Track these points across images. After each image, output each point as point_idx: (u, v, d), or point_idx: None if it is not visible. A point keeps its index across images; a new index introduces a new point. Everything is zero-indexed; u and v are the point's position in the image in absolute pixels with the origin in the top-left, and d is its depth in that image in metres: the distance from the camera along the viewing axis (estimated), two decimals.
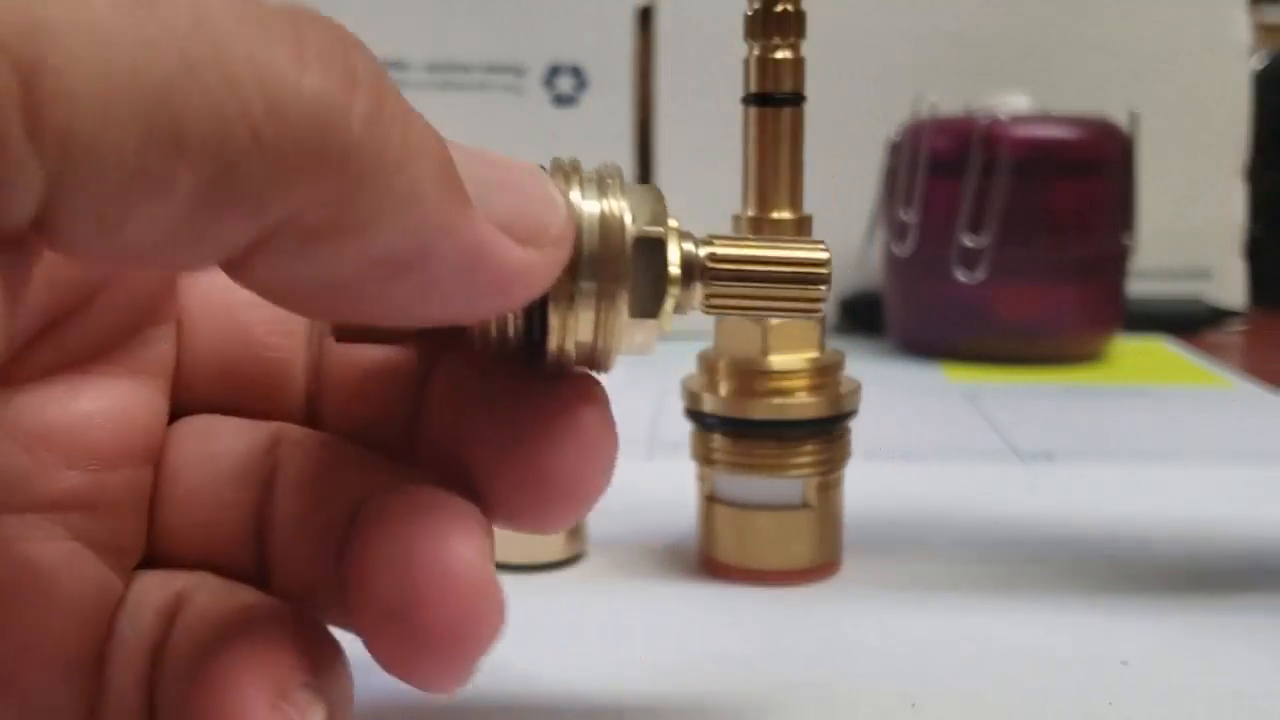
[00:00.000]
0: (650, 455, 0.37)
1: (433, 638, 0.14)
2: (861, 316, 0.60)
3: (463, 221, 0.13)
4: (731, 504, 0.26)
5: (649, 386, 0.45)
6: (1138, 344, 0.58)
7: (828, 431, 0.25)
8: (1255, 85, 0.64)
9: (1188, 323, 0.61)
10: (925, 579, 0.26)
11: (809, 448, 0.25)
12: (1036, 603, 0.25)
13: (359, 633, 0.15)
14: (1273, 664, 0.22)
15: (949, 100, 0.53)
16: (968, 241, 0.50)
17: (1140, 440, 0.39)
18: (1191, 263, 0.64)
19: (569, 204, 0.15)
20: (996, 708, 0.20)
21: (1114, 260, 0.53)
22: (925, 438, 0.39)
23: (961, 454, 0.37)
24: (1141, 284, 0.61)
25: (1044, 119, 0.52)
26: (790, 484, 0.25)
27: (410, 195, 0.12)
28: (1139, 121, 0.53)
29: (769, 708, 0.20)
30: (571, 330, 0.15)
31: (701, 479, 0.27)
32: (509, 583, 0.26)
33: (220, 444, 0.17)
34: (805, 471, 0.25)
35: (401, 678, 0.14)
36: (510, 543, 0.26)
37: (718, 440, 0.26)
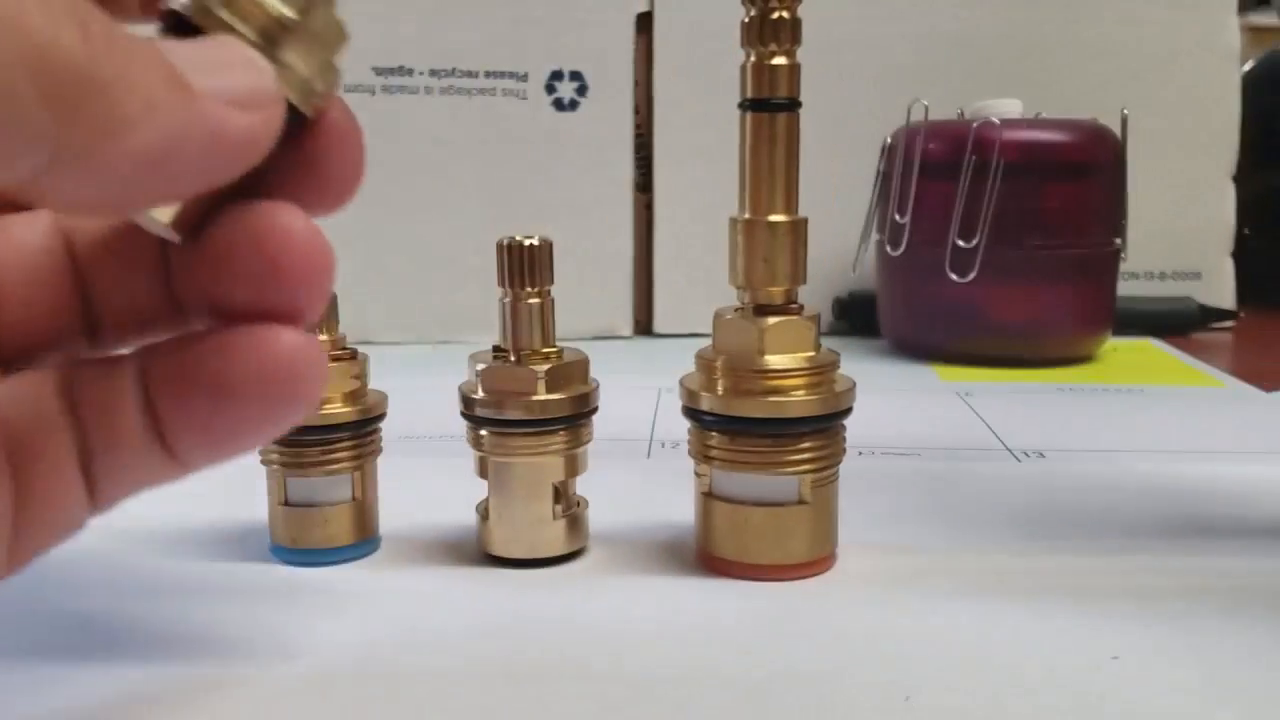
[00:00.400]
0: (650, 453, 0.38)
1: (299, 277, 0.18)
2: (855, 317, 0.61)
3: (195, 112, 0.16)
4: (728, 500, 0.26)
5: (649, 386, 0.46)
6: (1129, 344, 0.58)
7: (823, 429, 0.26)
8: (1244, 88, 0.64)
9: (1178, 323, 0.62)
10: (919, 574, 0.27)
11: (804, 445, 0.26)
12: (1028, 598, 0.25)
13: (221, 302, 0.18)
14: (1262, 659, 0.22)
15: (943, 104, 0.54)
16: (960, 243, 0.51)
17: (1133, 439, 0.40)
18: (1182, 264, 0.64)
19: (272, 66, 0.17)
20: (988, 701, 0.20)
21: (1105, 262, 0.53)
22: (919, 435, 0.40)
23: (955, 451, 0.38)
24: (1133, 285, 0.62)
25: (1036, 123, 0.52)
26: (786, 481, 0.26)
27: (149, 105, 0.15)
28: (1130, 124, 0.54)
29: (765, 701, 0.21)
30: (317, 89, 0.18)
31: (699, 476, 0.27)
32: (512, 578, 0.27)
33: (16, 237, 0.19)
34: (801, 469, 0.26)
35: (275, 316, 0.18)
36: (513, 539, 0.27)
37: (715, 438, 0.26)
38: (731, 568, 0.26)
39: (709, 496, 0.27)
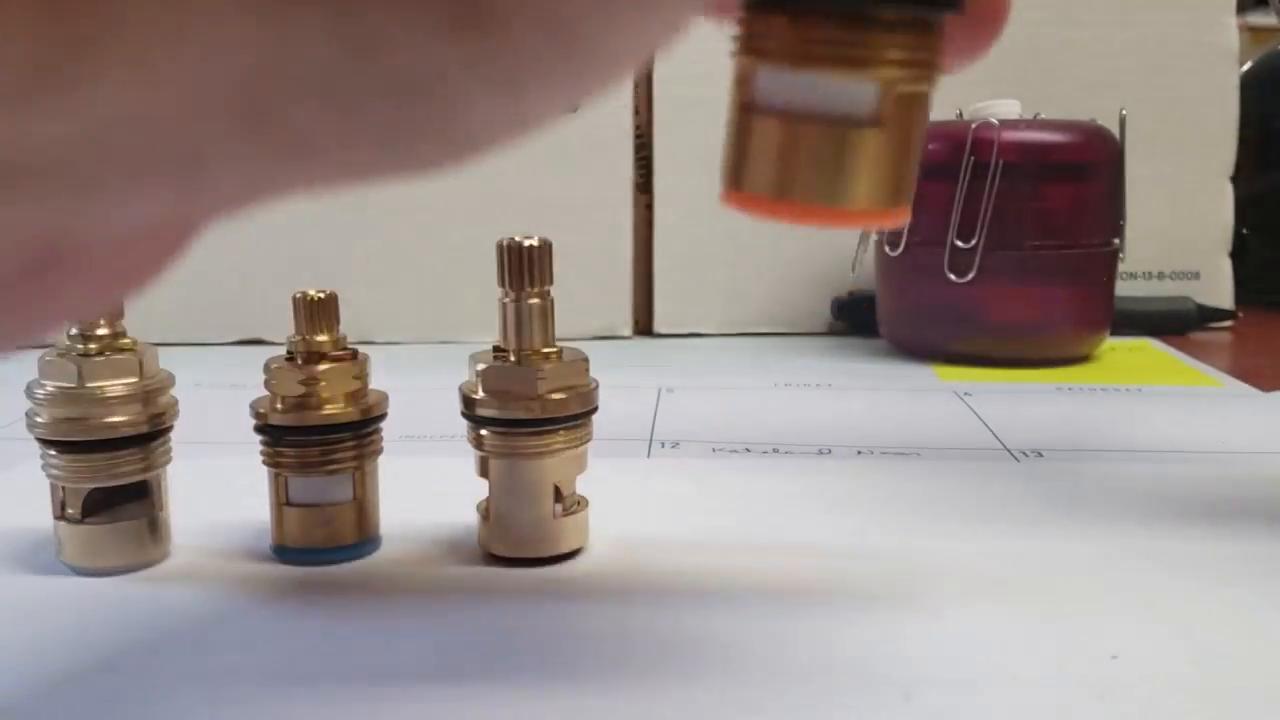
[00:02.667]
0: (650, 453, 0.38)
1: None
2: (854, 317, 0.61)
3: None
4: (775, 113, 0.17)
5: (649, 386, 0.46)
6: (1128, 344, 0.58)
7: (921, 20, 0.17)
8: (1243, 88, 0.65)
9: (1177, 323, 0.62)
10: (918, 573, 0.27)
11: (894, 37, 0.16)
12: (1028, 597, 0.25)
13: None
14: (1261, 658, 0.22)
15: (941, 105, 0.54)
16: (959, 243, 0.51)
17: (1131, 439, 0.40)
18: (1180, 264, 0.65)
19: None
20: (988, 700, 0.21)
21: (1103, 262, 0.54)
22: (918, 435, 0.40)
23: (954, 451, 0.38)
24: (1131, 285, 0.62)
25: (1034, 123, 0.52)
26: (859, 87, 0.17)
27: None
28: (1128, 124, 0.54)
29: (764, 701, 0.21)
30: None
31: (739, 83, 0.17)
32: (512, 578, 0.27)
33: None
34: (883, 71, 0.16)
35: None
36: (513, 539, 0.27)
37: (773, 22, 0.16)
38: (770, 208, 0.17)
39: (749, 111, 0.17)
